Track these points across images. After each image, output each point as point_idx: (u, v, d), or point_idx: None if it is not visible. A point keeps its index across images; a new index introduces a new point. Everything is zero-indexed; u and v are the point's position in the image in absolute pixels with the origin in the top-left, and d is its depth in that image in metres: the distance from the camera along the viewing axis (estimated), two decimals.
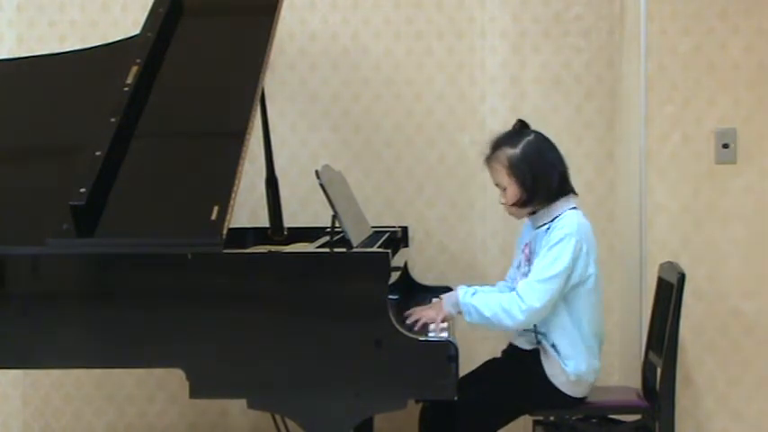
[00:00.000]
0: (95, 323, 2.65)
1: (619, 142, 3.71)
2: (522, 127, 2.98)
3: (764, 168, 3.39)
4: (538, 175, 2.88)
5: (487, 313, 2.82)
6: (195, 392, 2.62)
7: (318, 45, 3.80)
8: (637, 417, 3.02)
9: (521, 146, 2.90)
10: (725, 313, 3.40)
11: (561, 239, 2.83)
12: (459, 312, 2.88)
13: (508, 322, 2.82)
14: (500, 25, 3.75)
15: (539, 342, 2.92)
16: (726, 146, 3.38)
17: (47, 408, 3.86)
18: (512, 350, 3.05)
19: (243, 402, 2.64)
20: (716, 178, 3.40)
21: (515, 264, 3.08)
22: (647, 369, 3.13)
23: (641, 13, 3.41)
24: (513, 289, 3.04)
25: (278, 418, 3.19)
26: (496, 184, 2.98)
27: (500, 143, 2.94)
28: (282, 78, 3.80)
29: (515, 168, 2.89)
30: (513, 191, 2.91)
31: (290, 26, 3.75)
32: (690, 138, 3.40)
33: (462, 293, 2.89)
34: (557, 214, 2.91)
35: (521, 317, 2.80)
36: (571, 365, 2.86)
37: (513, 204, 2.93)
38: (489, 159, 2.96)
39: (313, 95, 3.81)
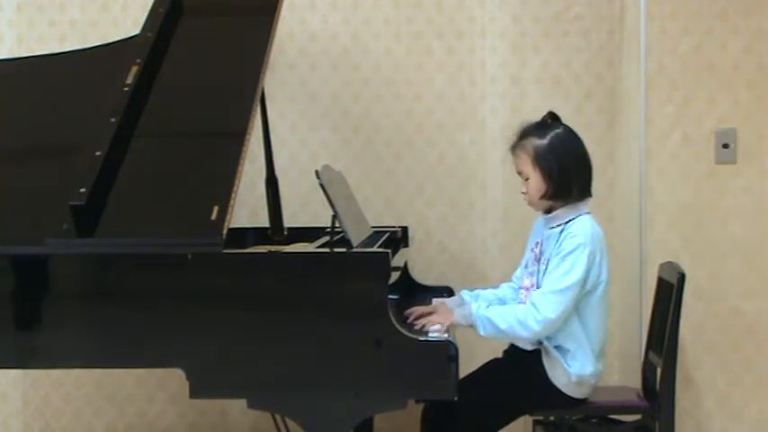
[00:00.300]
0: (95, 323, 2.65)
1: (619, 142, 3.71)
2: (552, 119, 2.96)
3: (764, 168, 3.39)
4: (563, 168, 2.86)
5: (503, 326, 2.80)
6: (195, 392, 2.62)
7: (318, 45, 3.80)
8: (637, 417, 3.02)
9: (548, 137, 2.88)
10: (725, 313, 3.40)
11: (574, 249, 2.81)
12: (471, 325, 2.85)
13: (524, 333, 2.80)
14: (500, 25, 3.75)
15: (540, 343, 2.91)
16: (726, 146, 3.38)
17: (47, 408, 3.86)
18: (513, 350, 3.04)
19: (243, 402, 2.63)
20: (716, 178, 3.40)
21: (523, 263, 3.06)
22: (647, 369, 3.13)
23: (641, 13, 3.41)
24: (517, 290, 3.06)
25: (278, 418, 3.19)
26: (519, 173, 2.94)
27: (527, 133, 2.91)
28: (282, 78, 3.80)
29: (541, 159, 2.86)
30: (537, 182, 2.88)
31: (290, 26, 3.75)
32: (690, 138, 3.40)
33: (476, 307, 2.87)
34: (571, 217, 2.89)
35: (537, 327, 2.78)
36: (575, 367, 2.85)
37: (537, 197, 2.90)
38: (515, 147, 2.93)
39: (313, 95, 3.81)
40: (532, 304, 2.80)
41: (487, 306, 2.88)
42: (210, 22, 3.23)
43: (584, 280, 2.81)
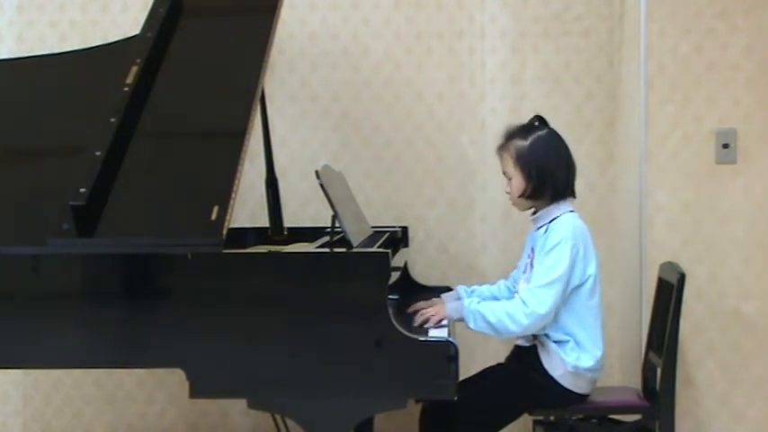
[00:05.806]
0: (95, 323, 2.65)
1: (619, 142, 3.71)
2: (539, 122, 3.02)
3: (764, 168, 3.39)
4: (543, 169, 2.92)
5: (492, 319, 2.82)
6: (195, 392, 2.61)
7: (318, 45, 3.80)
8: (637, 417, 3.02)
9: (530, 139, 2.95)
10: (725, 313, 3.41)
11: (557, 244, 2.86)
12: (461, 319, 2.89)
13: (514, 328, 2.83)
14: (500, 25, 3.75)
15: (535, 337, 2.93)
16: (726, 146, 3.39)
17: (47, 408, 3.86)
18: (513, 354, 3.06)
19: (243, 403, 2.63)
20: (716, 178, 3.40)
21: (520, 267, 3.09)
22: (647, 369, 3.14)
23: (641, 13, 3.41)
24: (513, 291, 3.07)
25: (278, 418, 3.20)
26: (504, 173, 3.01)
27: (513, 135, 2.99)
28: (282, 78, 3.80)
29: (521, 160, 2.93)
30: (518, 182, 2.95)
31: (290, 26, 3.75)
32: (690, 138, 3.41)
33: (468, 301, 2.91)
34: (554, 216, 2.94)
35: (526, 321, 2.81)
36: (572, 357, 2.87)
37: (517, 195, 2.97)
38: (500, 148, 3.02)
39: (313, 95, 3.81)
40: (521, 299, 2.85)
41: (479, 302, 2.90)
42: (210, 22, 3.23)
43: (570, 273, 2.85)
